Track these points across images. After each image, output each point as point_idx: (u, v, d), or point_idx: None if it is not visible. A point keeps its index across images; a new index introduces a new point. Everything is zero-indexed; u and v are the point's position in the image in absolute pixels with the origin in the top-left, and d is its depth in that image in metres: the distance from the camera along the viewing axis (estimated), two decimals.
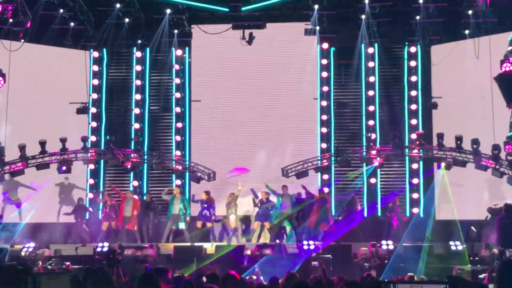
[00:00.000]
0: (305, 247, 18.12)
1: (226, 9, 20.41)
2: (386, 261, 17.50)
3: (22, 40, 21.30)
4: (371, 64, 23.10)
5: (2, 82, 20.72)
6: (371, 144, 22.15)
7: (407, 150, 22.09)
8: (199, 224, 20.50)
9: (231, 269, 10.30)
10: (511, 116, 20.09)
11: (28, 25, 21.11)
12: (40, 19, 21.30)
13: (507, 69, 18.90)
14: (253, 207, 20.79)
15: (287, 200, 20.10)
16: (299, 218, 20.28)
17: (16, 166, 21.34)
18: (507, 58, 19.11)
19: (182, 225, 20.21)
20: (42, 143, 21.33)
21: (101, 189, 22.73)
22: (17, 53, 21.07)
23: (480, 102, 20.53)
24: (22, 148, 21.19)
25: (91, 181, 23.00)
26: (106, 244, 18.72)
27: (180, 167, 22.61)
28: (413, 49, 22.89)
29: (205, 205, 20.46)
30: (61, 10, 21.67)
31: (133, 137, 23.20)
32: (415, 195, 22.36)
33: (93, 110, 23.44)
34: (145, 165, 22.79)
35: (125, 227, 20.30)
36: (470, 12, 21.01)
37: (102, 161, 22.75)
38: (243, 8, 20.26)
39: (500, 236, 17.02)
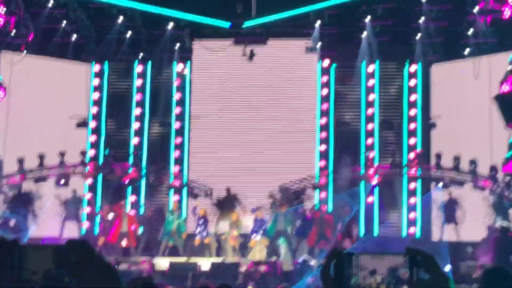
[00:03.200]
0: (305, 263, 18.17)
1: (227, 25, 20.50)
2: None
3: (24, 52, 21.40)
4: (371, 82, 23.16)
5: (3, 94, 20.85)
6: (370, 162, 22.24)
7: (405, 169, 22.17)
8: (196, 241, 20.52)
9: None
10: (509, 137, 20.18)
11: (30, 37, 21.26)
12: (42, 32, 21.37)
13: (506, 89, 19.00)
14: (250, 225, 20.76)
15: (282, 218, 20.11)
16: (298, 235, 20.25)
17: (13, 179, 21.46)
18: (507, 78, 19.20)
19: (176, 241, 20.25)
20: (41, 156, 21.48)
21: (99, 204, 22.69)
22: (18, 66, 21.17)
23: (479, 122, 20.57)
24: (20, 161, 21.33)
25: (89, 195, 22.98)
26: None
27: (177, 183, 22.69)
28: (413, 68, 22.94)
29: (201, 222, 20.52)
30: (63, 24, 21.75)
31: (132, 151, 23.23)
32: (411, 215, 22.36)
33: (92, 124, 23.50)
34: (143, 180, 22.82)
35: (121, 242, 20.28)
36: (470, 32, 21.09)
37: (100, 175, 22.80)
38: (245, 25, 20.34)
39: (495, 256, 17.08)
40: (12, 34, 20.93)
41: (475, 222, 20.24)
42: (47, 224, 20.73)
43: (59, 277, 1.89)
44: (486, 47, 20.84)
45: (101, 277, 1.87)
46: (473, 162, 20.93)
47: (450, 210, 20.70)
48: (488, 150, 20.39)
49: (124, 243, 20.22)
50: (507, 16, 19.04)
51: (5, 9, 20.13)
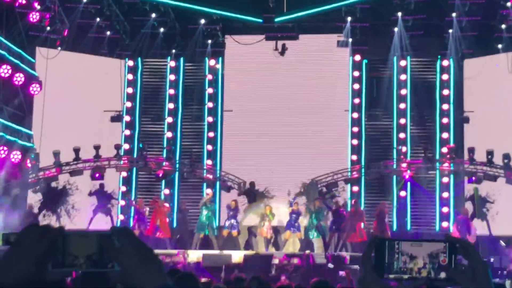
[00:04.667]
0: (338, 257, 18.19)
1: (260, 20, 20.56)
2: None
3: (59, 48, 21.62)
4: (403, 77, 23.10)
5: (39, 89, 21.07)
6: (402, 157, 22.16)
7: (438, 164, 22.07)
8: (225, 232, 20.62)
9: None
10: None
11: (65, 33, 21.45)
12: (77, 27, 21.57)
13: None
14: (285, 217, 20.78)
15: (316, 212, 20.12)
16: (333, 230, 20.26)
17: (50, 172, 21.67)
18: None
19: (210, 233, 20.36)
20: (76, 150, 21.66)
21: (133, 197, 22.86)
22: (54, 61, 21.37)
23: None
24: (56, 154, 21.54)
25: (123, 188, 23.16)
26: None
27: (211, 176, 22.78)
28: (445, 63, 22.85)
29: (232, 214, 20.59)
30: (98, 19, 21.90)
31: (165, 145, 23.36)
32: (445, 209, 22.25)
33: (127, 118, 23.68)
34: (177, 173, 22.95)
35: (156, 235, 20.39)
36: (503, 26, 20.97)
37: (134, 169, 22.97)
38: (276, 20, 20.38)
39: None
40: (48, 29, 21.12)
41: (508, 216, 20.11)
42: (79, 219, 20.89)
43: (102, 261, 1.92)
44: None
45: (143, 262, 1.89)
46: (506, 157, 20.79)
47: (480, 205, 20.59)
48: None
49: (158, 235, 20.30)
50: None
51: (40, 5, 20.31)
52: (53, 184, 21.61)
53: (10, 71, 19.78)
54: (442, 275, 1.96)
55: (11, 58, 20.04)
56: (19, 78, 20.20)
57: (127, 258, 1.93)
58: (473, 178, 21.26)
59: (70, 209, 21.37)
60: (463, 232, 18.12)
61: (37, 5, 20.25)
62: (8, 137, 20.05)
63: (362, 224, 20.08)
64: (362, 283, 1.99)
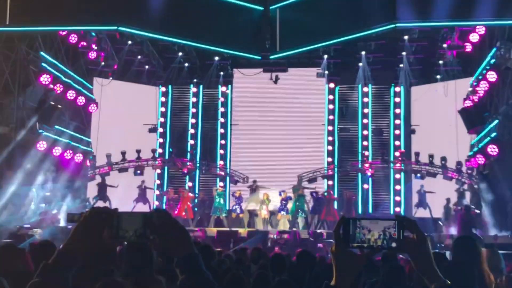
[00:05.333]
0: (317, 233, 18.18)
1: (259, 57, 20.52)
2: None
3: (111, 78, 21.65)
4: (366, 99, 23.11)
5: (96, 108, 21.11)
6: (365, 159, 22.16)
7: (392, 164, 22.06)
8: (234, 214, 20.62)
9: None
10: (471, 140, 20.01)
11: (115, 67, 21.50)
12: (124, 62, 21.63)
13: (468, 105, 18.84)
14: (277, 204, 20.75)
15: (300, 199, 20.11)
16: (313, 212, 20.23)
17: (103, 169, 21.72)
18: (468, 97, 19.06)
19: (222, 214, 20.36)
20: (123, 153, 21.71)
21: (165, 188, 22.85)
22: (107, 87, 21.43)
23: (448, 129, 20.38)
24: (108, 156, 21.61)
25: (158, 181, 23.18)
26: None
27: (222, 173, 22.80)
28: (397, 89, 22.85)
29: (237, 201, 20.61)
30: (139, 56, 21.94)
31: (189, 150, 23.37)
32: (397, 198, 22.24)
33: (160, 130, 23.71)
34: (197, 170, 22.97)
35: (182, 216, 20.37)
36: (440, 62, 20.97)
37: (166, 167, 22.98)
38: (271, 57, 20.35)
39: (460, 228, 16.94)
40: (102, 64, 21.17)
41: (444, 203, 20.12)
42: (123, 204, 20.86)
43: (146, 234, 1.95)
44: (453, 73, 20.73)
45: (176, 235, 1.92)
46: (443, 159, 20.81)
47: (423, 195, 20.59)
48: (455, 150, 20.22)
49: (184, 216, 20.30)
50: (468, 50, 18.88)
51: (97, 46, 20.37)
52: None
53: (74, 95, 19.81)
54: (393, 244, 1.98)
55: (75, 85, 20.06)
56: (81, 100, 20.23)
57: (164, 232, 1.97)
58: (418, 175, 21.26)
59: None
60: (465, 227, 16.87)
61: (94, 46, 20.27)
62: (73, 143, 20.08)
63: (335, 206, 20.13)
64: (334, 252, 2.02)
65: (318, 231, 18.74)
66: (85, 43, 19.92)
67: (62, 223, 18.17)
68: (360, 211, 21.68)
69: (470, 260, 4.25)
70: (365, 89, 22.94)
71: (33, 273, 1.97)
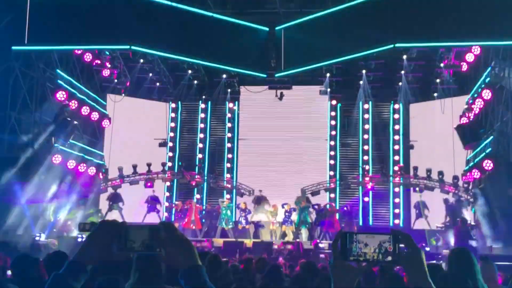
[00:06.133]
0: (319, 244, 18.08)
1: (264, 75, 20.59)
2: None
3: (123, 94, 21.72)
4: (366, 116, 23.11)
5: (109, 123, 21.18)
6: (366, 173, 22.10)
7: (391, 178, 21.99)
8: (240, 226, 20.56)
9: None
10: (467, 155, 19.94)
11: (128, 84, 21.59)
12: (136, 80, 21.73)
13: (464, 121, 18.82)
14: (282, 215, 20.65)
15: (303, 211, 20.02)
16: (316, 224, 20.13)
17: (115, 182, 21.72)
18: (464, 114, 19.04)
19: (229, 226, 20.28)
20: (134, 166, 21.72)
21: (174, 200, 22.82)
22: (119, 104, 21.49)
23: (444, 144, 20.36)
24: (120, 169, 21.62)
25: (167, 193, 23.18)
26: None
27: (229, 186, 22.77)
28: (396, 106, 22.86)
29: (243, 213, 20.55)
30: (150, 74, 22.05)
31: (197, 163, 23.37)
32: (396, 210, 22.15)
33: (170, 144, 23.73)
34: (205, 183, 22.95)
35: (190, 226, 20.35)
36: (438, 80, 20.98)
37: (175, 180, 22.97)
38: (276, 75, 20.42)
39: (457, 240, 16.84)
40: (115, 81, 21.27)
41: (441, 215, 20.01)
42: (135, 215, 20.84)
43: (152, 246, 1.94)
44: (450, 91, 20.70)
45: (181, 248, 1.92)
46: (440, 173, 20.73)
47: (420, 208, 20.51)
48: (452, 165, 20.15)
49: (192, 227, 20.26)
50: (464, 69, 18.89)
51: (110, 64, 20.48)
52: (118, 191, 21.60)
53: (88, 111, 19.91)
54: (389, 258, 1.98)
55: (89, 101, 20.18)
56: (95, 116, 20.32)
57: (170, 244, 1.97)
58: (417, 188, 21.19)
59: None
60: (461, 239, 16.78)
61: (108, 64, 20.40)
62: (86, 157, 20.13)
63: (337, 217, 20.05)
64: (332, 265, 2.02)
65: (320, 242, 18.62)
66: (99, 61, 20.06)
67: (75, 233, 18.16)
68: (360, 223, 21.59)
69: (465, 271, 4.22)
70: (366, 106, 22.94)
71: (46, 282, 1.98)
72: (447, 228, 19.01)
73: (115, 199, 20.98)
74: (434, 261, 11.83)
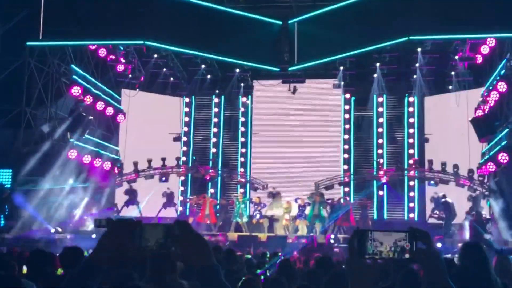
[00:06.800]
0: (331, 239, 18.05)
1: (278, 69, 20.55)
2: None
3: (137, 89, 21.80)
4: (380, 109, 22.96)
5: (123, 118, 21.27)
6: (380, 166, 22.01)
7: (406, 172, 21.88)
8: (254, 220, 20.58)
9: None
10: (482, 148, 19.76)
11: (142, 79, 21.67)
12: (150, 75, 21.80)
13: (479, 114, 18.65)
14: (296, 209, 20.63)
15: (317, 205, 19.96)
16: (330, 218, 20.08)
17: (130, 176, 21.85)
18: (479, 106, 18.86)
19: (243, 220, 20.29)
20: (149, 161, 21.83)
21: (189, 194, 22.87)
22: (134, 98, 21.57)
23: (460, 137, 20.20)
24: (135, 164, 21.73)
25: (182, 188, 23.25)
26: None
27: (243, 180, 22.79)
28: (411, 99, 22.69)
29: (257, 207, 20.57)
30: (164, 69, 22.10)
31: (211, 158, 23.42)
32: (411, 204, 22.03)
33: (184, 138, 23.79)
34: (219, 177, 22.99)
35: (205, 221, 20.37)
36: (452, 73, 20.80)
37: (189, 174, 23.04)
38: (290, 69, 20.38)
39: (472, 234, 16.74)
40: (130, 76, 21.36)
41: (457, 209, 19.85)
42: (152, 209, 20.94)
43: (167, 245, 1.94)
44: (465, 83, 20.53)
45: (196, 246, 1.91)
46: (455, 166, 20.58)
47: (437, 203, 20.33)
48: (467, 158, 19.98)
49: (206, 221, 20.30)
50: (479, 61, 18.71)
51: (124, 60, 20.56)
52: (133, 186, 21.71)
53: (103, 106, 20.01)
54: (406, 256, 1.96)
55: (104, 96, 20.27)
56: (109, 111, 20.40)
57: (185, 243, 1.96)
58: (432, 182, 21.05)
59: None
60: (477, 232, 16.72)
61: (122, 60, 20.48)
62: (101, 151, 20.25)
63: (352, 215, 19.95)
64: (348, 263, 2.00)
65: (335, 236, 18.58)
66: (113, 57, 20.13)
67: (90, 228, 18.30)
68: (375, 216, 21.51)
69: (477, 266, 4.19)
70: (380, 99, 22.81)
71: (61, 278, 1.98)
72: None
73: (131, 194, 21.10)
74: (449, 255, 11.77)
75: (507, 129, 17.55)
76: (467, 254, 4.38)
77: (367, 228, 2.03)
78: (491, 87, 18.18)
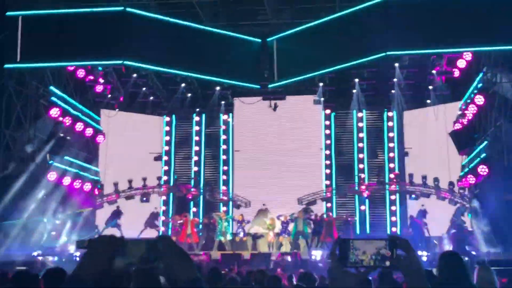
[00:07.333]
0: (313, 255, 18.03)
1: (258, 86, 20.64)
2: None
3: (117, 109, 21.71)
4: (360, 124, 23.15)
5: (103, 138, 21.14)
6: (362, 181, 22.11)
7: (387, 186, 22.01)
8: (237, 238, 20.49)
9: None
10: (462, 161, 19.99)
11: (121, 99, 21.59)
12: (129, 94, 21.73)
13: (458, 127, 18.89)
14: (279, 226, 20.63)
15: (300, 221, 19.97)
16: (314, 234, 20.06)
17: (111, 197, 21.67)
18: (458, 120, 19.11)
19: (226, 238, 20.19)
20: (130, 181, 21.68)
21: (171, 214, 22.71)
22: (113, 119, 21.47)
23: (439, 151, 20.40)
24: (115, 184, 21.55)
25: (163, 208, 23.09)
26: None
27: (225, 198, 22.73)
28: (390, 114, 22.92)
29: (240, 225, 20.51)
30: (144, 88, 22.04)
31: (193, 176, 23.33)
32: (393, 218, 22.13)
33: (165, 157, 23.70)
34: (201, 196, 22.90)
35: (187, 240, 20.22)
36: (430, 87, 21.05)
37: (171, 193, 22.91)
38: (270, 86, 20.46)
39: (454, 246, 16.84)
40: (109, 96, 21.27)
41: (438, 223, 19.99)
42: (132, 229, 20.74)
43: (150, 260, 1.95)
44: (443, 97, 20.79)
45: (179, 260, 1.92)
46: (436, 179, 20.77)
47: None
48: (447, 171, 20.18)
49: (188, 241, 20.16)
50: (456, 75, 19.00)
51: (103, 80, 20.49)
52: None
53: (82, 127, 19.87)
54: (387, 263, 1.99)
55: (83, 117, 20.14)
56: (89, 132, 20.27)
57: (168, 257, 1.97)
58: (413, 195, 21.20)
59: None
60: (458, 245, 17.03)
61: (101, 80, 20.42)
62: (81, 173, 20.08)
63: (335, 230, 19.96)
64: (331, 272, 2.02)
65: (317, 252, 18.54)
66: (92, 77, 20.07)
67: (72, 251, 18.07)
68: (358, 231, 21.56)
69: (456, 274, 4.21)
70: (360, 114, 23.00)
71: None
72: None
73: (118, 215, 20.88)
74: (429, 268, 11.81)
75: (486, 142, 17.80)
76: (446, 264, 4.39)
77: (348, 237, 2.05)
78: (469, 101, 18.44)
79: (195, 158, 23.62)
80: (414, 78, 21.29)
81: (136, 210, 21.32)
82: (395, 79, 20.97)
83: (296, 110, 23.19)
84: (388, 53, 17.07)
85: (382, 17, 17.00)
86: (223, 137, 23.69)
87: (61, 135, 18.33)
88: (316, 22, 18.63)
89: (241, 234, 20.40)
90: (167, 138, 23.86)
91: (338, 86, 22.42)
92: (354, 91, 21.84)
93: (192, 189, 22.43)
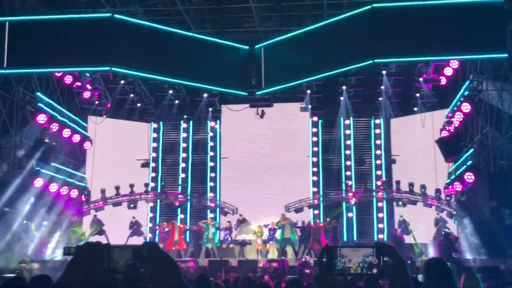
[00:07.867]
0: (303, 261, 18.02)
1: (245, 93, 20.62)
2: None
3: (104, 116, 21.62)
4: (347, 131, 23.24)
5: (90, 145, 21.02)
6: (349, 188, 22.15)
7: (374, 193, 22.07)
8: (224, 245, 20.45)
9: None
10: (448, 168, 20.10)
11: (108, 105, 21.51)
12: (117, 101, 21.67)
13: (445, 135, 18.99)
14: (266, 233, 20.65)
15: (287, 229, 19.97)
16: (301, 241, 20.06)
17: (98, 204, 21.53)
18: (444, 127, 19.23)
19: (214, 245, 20.15)
20: (117, 188, 21.55)
21: (158, 221, 22.65)
22: (101, 125, 21.35)
23: (426, 158, 20.51)
24: (102, 191, 21.42)
25: (151, 214, 23.01)
26: None
27: (212, 205, 22.68)
28: (377, 121, 23.03)
29: (227, 232, 20.49)
30: (131, 95, 22.00)
31: (180, 183, 23.27)
32: (380, 225, 22.19)
33: (152, 164, 23.63)
34: (189, 203, 22.84)
35: (174, 247, 20.16)
36: (417, 95, 21.19)
37: (158, 200, 22.83)
38: (257, 93, 20.46)
39: (440, 253, 16.91)
40: (96, 103, 21.17)
41: (425, 229, 20.08)
42: (118, 236, 20.62)
43: (135, 266, 1.93)
44: (430, 105, 20.92)
45: (165, 267, 1.91)
46: (423, 187, 20.86)
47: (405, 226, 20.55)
48: (433, 178, 20.28)
49: (176, 247, 20.08)
50: (443, 83, 19.13)
51: (91, 86, 20.40)
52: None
53: (70, 133, 19.74)
54: (374, 271, 1.98)
55: (70, 124, 20.00)
56: (76, 138, 20.13)
57: (154, 264, 1.96)
58: (400, 202, 21.27)
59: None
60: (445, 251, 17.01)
61: (88, 86, 20.31)
62: (68, 179, 19.93)
63: (323, 237, 19.97)
64: (318, 279, 2.02)
65: (306, 259, 18.56)
66: (79, 84, 19.95)
67: (59, 257, 17.91)
68: (345, 238, 21.58)
69: (442, 279, 4.21)
70: (347, 121, 23.08)
71: None
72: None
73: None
74: (414, 275, 11.84)
75: (472, 149, 17.93)
76: (432, 270, 4.39)
77: (336, 246, 2.05)
78: (455, 108, 18.57)
79: (182, 164, 23.56)
80: (401, 85, 21.43)
81: (123, 217, 21.19)
82: (382, 87, 21.09)
83: (283, 117, 23.22)
84: (375, 60, 17.14)
85: (369, 25, 17.09)
86: (210, 144, 23.67)
87: (48, 141, 18.17)
88: (303, 30, 18.68)
89: (229, 241, 20.35)
90: (155, 144, 23.79)
91: (326, 94, 22.51)
92: (342, 98, 21.95)
93: (180, 196, 22.35)
